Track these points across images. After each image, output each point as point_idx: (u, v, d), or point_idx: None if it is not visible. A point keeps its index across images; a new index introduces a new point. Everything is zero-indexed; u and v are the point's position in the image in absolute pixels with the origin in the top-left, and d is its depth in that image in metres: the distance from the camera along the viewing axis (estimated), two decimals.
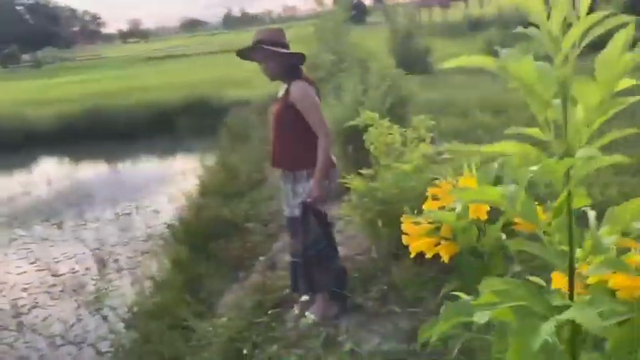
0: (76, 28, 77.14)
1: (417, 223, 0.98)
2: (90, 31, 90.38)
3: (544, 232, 0.70)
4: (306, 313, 3.03)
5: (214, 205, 6.14)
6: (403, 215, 1.00)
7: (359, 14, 9.08)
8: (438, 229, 0.95)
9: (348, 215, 3.50)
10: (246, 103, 12.92)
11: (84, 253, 6.28)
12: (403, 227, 1.00)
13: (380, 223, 3.47)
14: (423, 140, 3.71)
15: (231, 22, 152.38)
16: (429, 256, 0.96)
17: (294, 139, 2.70)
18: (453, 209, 0.92)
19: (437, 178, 3.11)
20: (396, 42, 12.24)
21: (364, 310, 2.97)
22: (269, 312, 3.26)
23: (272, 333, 3.02)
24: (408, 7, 12.66)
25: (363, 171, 3.59)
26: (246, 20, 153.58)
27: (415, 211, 1.01)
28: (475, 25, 26.98)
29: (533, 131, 0.70)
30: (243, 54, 2.83)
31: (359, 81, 5.45)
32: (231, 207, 6.06)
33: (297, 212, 2.76)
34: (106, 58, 46.59)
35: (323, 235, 2.80)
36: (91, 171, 11.54)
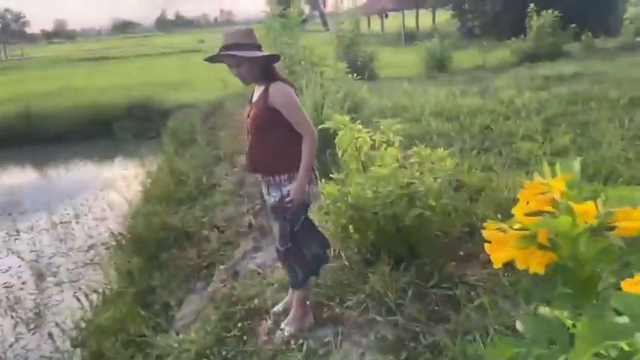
0: None
1: (501, 230, 0.89)
2: (12, 30, 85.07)
3: None
4: (282, 325, 2.88)
5: (162, 212, 5.84)
6: (487, 221, 0.90)
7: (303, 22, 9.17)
8: (531, 236, 0.86)
9: (320, 221, 3.39)
10: (188, 106, 12.54)
11: (19, 266, 5.79)
12: (485, 234, 0.90)
13: (352, 229, 3.40)
14: (392, 144, 3.68)
15: (164, 24, 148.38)
16: (521, 267, 0.86)
17: (275, 142, 2.57)
18: (552, 213, 0.83)
19: (413, 182, 3.07)
20: (342, 48, 12.31)
21: (343, 319, 2.87)
22: (238, 324, 3.08)
23: (245, 347, 2.85)
24: (351, 14, 12.71)
25: (334, 175, 3.50)
26: (180, 23, 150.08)
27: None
28: (411, 36, 27.88)
29: None
30: (213, 59, 2.65)
31: (318, 85, 5.36)
32: (180, 214, 5.78)
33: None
34: (31, 58, 43.88)
35: (289, 238, 2.66)
36: (21, 177, 10.73)
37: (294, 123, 2.52)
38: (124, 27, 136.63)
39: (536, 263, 0.86)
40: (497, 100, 7.43)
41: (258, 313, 3.17)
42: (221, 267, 4.28)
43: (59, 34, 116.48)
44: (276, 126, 2.54)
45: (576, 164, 0.89)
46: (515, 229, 0.88)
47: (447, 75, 11.99)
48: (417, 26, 33.62)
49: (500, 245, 0.87)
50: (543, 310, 0.91)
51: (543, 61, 12.13)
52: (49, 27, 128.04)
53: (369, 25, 32.67)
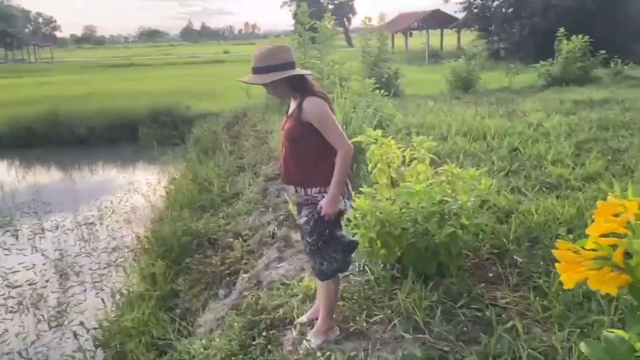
0: (28, 30, 74.25)
1: (573, 251, 0.87)
2: (43, 33, 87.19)
3: None
4: (307, 336, 2.87)
5: (186, 218, 5.88)
6: (558, 241, 0.89)
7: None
8: (605, 257, 0.84)
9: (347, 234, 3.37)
10: (212, 115, 12.68)
11: (44, 264, 5.87)
12: (556, 254, 0.88)
13: (379, 244, 3.38)
14: (423, 161, 3.67)
15: (190, 34, 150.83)
16: (593, 287, 0.85)
17: (308, 155, 2.57)
18: (620, 235, 0.82)
19: (446, 200, 3.05)
20: (367, 65, 12.36)
21: (369, 335, 2.84)
22: (263, 333, 3.07)
23: (269, 356, 2.84)
24: (378, 30, 12.79)
25: (364, 189, 3.50)
26: (206, 34, 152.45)
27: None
28: (434, 55, 27.97)
29: None
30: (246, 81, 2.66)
31: (347, 99, 5.38)
32: (204, 221, 5.82)
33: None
34: (61, 62, 44.92)
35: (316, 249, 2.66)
36: (48, 177, 10.92)
37: (329, 138, 2.51)
38: (151, 35, 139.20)
39: (609, 285, 0.84)
40: (526, 122, 7.37)
41: (282, 323, 3.16)
42: (244, 275, 4.28)
43: (88, 39, 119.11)
44: (310, 139, 2.53)
45: None
46: (588, 250, 0.86)
47: (473, 95, 11.95)
48: (441, 46, 33.72)
49: (572, 266, 0.86)
50: (608, 333, 0.89)
51: (571, 85, 12.03)
52: (79, 32, 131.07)
53: (393, 43, 32.80)
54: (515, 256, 3.46)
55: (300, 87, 2.58)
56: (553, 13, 19.48)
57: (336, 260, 2.71)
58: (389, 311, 2.96)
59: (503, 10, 24.72)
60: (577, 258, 0.86)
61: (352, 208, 3.19)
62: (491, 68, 17.04)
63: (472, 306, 2.91)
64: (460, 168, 3.59)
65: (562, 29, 13.10)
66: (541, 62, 13.32)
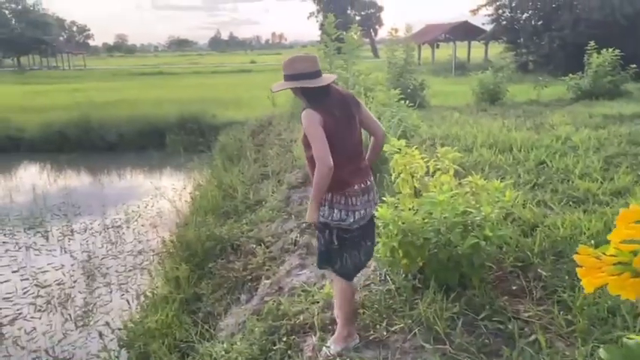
0: (62, 38, 76.44)
1: (595, 256, 0.88)
2: (76, 41, 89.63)
3: None
4: (327, 343, 2.88)
5: (210, 224, 5.97)
6: (580, 247, 0.90)
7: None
8: (626, 263, 0.85)
9: None
10: (238, 123, 12.85)
11: (72, 265, 6.02)
12: (577, 258, 0.90)
13: (401, 253, 3.38)
14: (447, 172, 3.66)
15: (218, 44, 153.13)
16: (613, 292, 0.86)
17: (314, 163, 2.60)
18: None
19: (470, 211, 3.04)
20: (393, 75, 12.38)
21: (389, 344, 2.84)
22: (284, 339, 3.10)
23: None
24: (404, 41, 12.80)
25: (387, 198, 3.51)
26: (233, 43, 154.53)
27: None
28: (461, 67, 27.81)
29: None
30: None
31: (373, 109, 5.41)
32: (227, 227, 5.90)
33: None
34: (93, 69, 46.11)
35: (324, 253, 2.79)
36: (78, 181, 11.20)
37: (312, 149, 2.56)
38: (179, 45, 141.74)
39: (629, 290, 0.85)
40: (553, 135, 7.27)
41: (303, 329, 3.18)
42: (266, 281, 4.32)
43: (119, 48, 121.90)
44: (312, 148, 2.59)
45: None
46: (609, 255, 0.87)
47: (499, 108, 11.84)
48: (469, 58, 33.52)
49: (593, 271, 0.87)
50: (628, 340, 0.90)
51: (601, 99, 11.82)
52: (111, 41, 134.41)
53: (419, 55, 32.75)
54: (539, 270, 3.42)
55: (304, 98, 2.68)
56: (583, 27, 19.21)
57: (344, 266, 2.75)
58: (409, 321, 2.96)
59: (533, 22, 24.46)
60: (598, 263, 0.86)
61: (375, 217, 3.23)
62: (519, 81, 16.85)
63: (494, 318, 2.89)
64: (485, 180, 3.58)
65: (592, 43, 12.91)
66: (570, 75, 13.12)
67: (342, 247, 2.70)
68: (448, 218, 3.05)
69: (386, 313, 3.12)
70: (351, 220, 2.65)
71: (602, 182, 5.07)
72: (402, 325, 2.95)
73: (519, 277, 3.40)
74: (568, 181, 5.28)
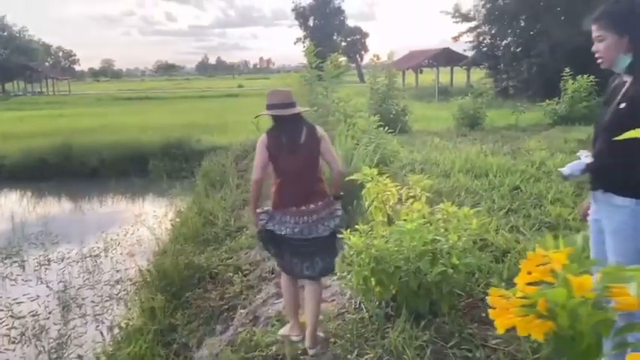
0: (48, 63, 76.45)
1: (505, 297, 0.93)
2: (62, 66, 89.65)
3: None
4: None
5: (189, 252, 5.94)
6: (491, 289, 0.95)
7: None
8: (532, 305, 0.90)
9: (342, 271, 3.42)
10: (223, 148, 12.87)
11: (47, 295, 5.93)
12: (489, 300, 0.94)
13: (373, 282, 3.41)
14: (419, 199, 3.73)
15: (206, 68, 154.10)
16: (521, 333, 0.90)
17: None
18: (551, 284, 0.87)
19: (437, 239, 3.09)
20: (376, 101, 12.56)
21: None
22: None
23: None
24: (387, 68, 13.02)
25: (359, 227, 3.55)
26: (221, 68, 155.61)
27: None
28: (444, 92, 28.30)
29: None
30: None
31: (349, 136, 5.49)
32: (206, 254, 5.88)
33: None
34: (78, 95, 46.06)
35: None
36: (58, 208, 11.09)
37: None
38: (167, 69, 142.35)
39: (536, 331, 0.89)
40: (529, 160, 7.41)
41: None
42: (242, 311, 4.31)
43: (106, 72, 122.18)
44: None
45: (579, 238, 0.93)
46: (518, 297, 0.92)
47: (479, 132, 12.04)
48: (452, 83, 34.14)
49: (503, 312, 0.91)
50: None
51: (577, 124, 12.09)
52: (97, 65, 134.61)
53: (403, 80, 33.27)
54: None
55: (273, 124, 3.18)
56: (560, 53, 19.72)
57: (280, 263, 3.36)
58: (380, 350, 2.97)
59: (512, 49, 25.05)
60: (507, 304, 0.91)
61: (347, 244, 3.32)
62: (499, 106, 17.19)
63: (463, 346, 2.91)
64: (460, 206, 3.64)
65: (567, 69, 13.25)
66: (547, 101, 13.43)
67: (280, 250, 3.22)
68: (417, 246, 3.09)
69: (358, 343, 3.13)
70: (283, 232, 3.11)
71: (573, 208, 5.16)
72: (372, 354, 2.96)
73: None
74: (541, 206, 5.38)
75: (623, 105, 2.13)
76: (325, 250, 3.20)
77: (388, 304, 3.44)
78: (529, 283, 0.92)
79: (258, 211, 3.20)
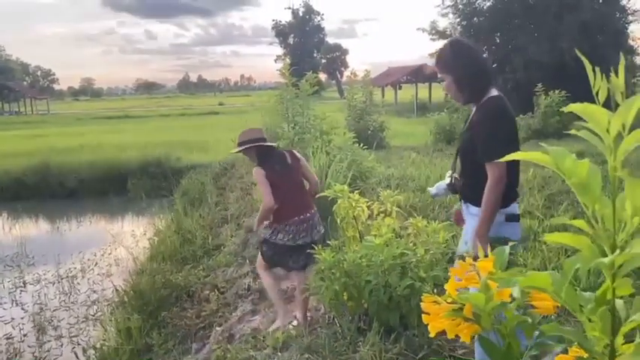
0: (26, 82, 75.72)
1: (436, 303, 1.01)
2: (40, 86, 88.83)
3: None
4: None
5: (167, 271, 5.93)
6: (424, 295, 1.03)
7: (316, 92, 9.55)
8: (459, 309, 0.98)
9: (315, 287, 3.47)
10: (202, 166, 12.88)
11: (22, 318, 5.86)
12: (423, 306, 1.02)
13: (345, 296, 3.47)
14: (390, 214, 3.81)
15: (187, 86, 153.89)
16: (450, 336, 0.98)
17: None
18: (477, 290, 0.95)
19: (405, 252, 3.17)
20: (354, 118, 12.72)
21: None
22: None
23: None
24: (364, 84, 13.23)
25: (331, 242, 3.62)
26: (202, 86, 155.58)
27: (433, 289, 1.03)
28: (423, 108, 28.73)
29: (580, 223, 0.75)
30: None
31: (324, 153, 5.58)
32: (184, 273, 5.87)
33: None
34: (57, 114, 45.64)
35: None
36: (34, 229, 10.96)
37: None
38: (147, 88, 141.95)
39: (464, 333, 0.97)
40: None
41: None
42: (218, 329, 4.33)
43: (85, 91, 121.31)
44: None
45: (507, 249, 1.02)
46: (448, 302, 1.00)
47: (455, 147, 12.24)
48: (430, 99, 34.66)
49: (435, 316, 0.99)
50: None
51: (550, 139, 12.38)
52: (77, 85, 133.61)
53: (383, 96, 33.69)
54: None
55: (255, 158, 3.84)
56: (534, 69, 20.22)
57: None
58: None
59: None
60: (438, 309, 0.99)
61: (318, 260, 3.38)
62: None
63: (431, 358, 2.98)
64: (434, 220, 3.75)
65: (540, 85, 13.61)
66: (521, 115, 13.74)
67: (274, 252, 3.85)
68: (385, 261, 3.16)
69: (330, 357, 3.18)
70: (285, 240, 3.78)
71: (543, 219, 5.31)
72: None
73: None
74: None
75: (466, 132, 2.53)
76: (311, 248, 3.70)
77: (360, 318, 3.49)
78: (460, 290, 1.01)
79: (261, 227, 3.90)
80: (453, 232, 4.45)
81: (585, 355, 0.73)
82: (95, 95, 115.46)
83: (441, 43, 27.50)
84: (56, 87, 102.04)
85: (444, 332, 1.04)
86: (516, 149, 1.99)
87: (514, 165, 2.36)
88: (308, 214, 3.78)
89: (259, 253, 4.01)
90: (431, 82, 34.32)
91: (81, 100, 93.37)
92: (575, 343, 0.83)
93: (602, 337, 0.69)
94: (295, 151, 4.00)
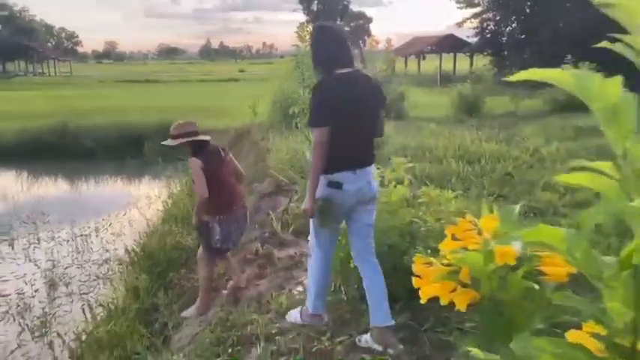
0: (50, 44, 76.05)
1: (429, 264, 0.88)
2: (64, 48, 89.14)
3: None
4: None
5: (177, 233, 5.91)
6: (416, 255, 0.90)
7: None
8: (455, 272, 0.85)
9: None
10: (219, 132, 12.78)
11: (34, 274, 5.92)
12: (414, 268, 0.89)
13: (351, 264, 3.37)
14: (401, 182, 3.66)
15: (208, 52, 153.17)
16: (444, 302, 0.85)
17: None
18: (476, 250, 0.82)
19: (415, 221, 3.03)
20: None
21: (332, 355, 2.81)
22: (229, 350, 3.07)
23: None
24: (386, 54, 12.89)
25: None
26: (224, 52, 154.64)
27: (429, 251, 0.90)
28: (447, 79, 28.05)
29: (605, 165, 0.61)
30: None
31: None
32: (194, 235, 5.83)
33: None
34: (79, 76, 45.86)
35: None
36: (51, 188, 11.07)
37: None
38: (169, 53, 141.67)
39: (459, 300, 0.84)
40: (523, 147, 7.33)
41: (249, 340, 3.14)
42: (223, 291, 4.29)
43: (108, 55, 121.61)
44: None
45: (516, 208, 0.88)
46: (442, 265, 0.87)
47: (476, 119, 11.93)
48: (454, 69, 33.83)
49: (427, 279, 0.86)
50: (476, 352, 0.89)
51: (577, 112, 11.96)
52: (100, 48, 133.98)
53: (405, 66, 32.99)
54: None
55: (194, 150, 3.87)
56: (563, 40, 19.50)
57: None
58: (354, 331, 2.94)
59: (516, 35, 24.81)
60: (431, 272, 0.86)
61: None
62: (499, 93, 17.02)
63: (437, 329, 2.88)
64: (452, 191, 3.60)
65: (569, 56, 13.08)
66: (547, 88, 13.28)
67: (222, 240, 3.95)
68: (394, 227, 3.04)
69: (332, 325, 3.10)
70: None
71: (564, 194, 5.11)
72: (346, 336, 2.93)
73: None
74: (531, 193, 5.32)
75: None
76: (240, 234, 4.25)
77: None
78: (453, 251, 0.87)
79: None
80: (466, 201, 4.30)
81: (603, 332, 0.59)
82: (118, 59, 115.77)
83: (469, 12, 26.72)
84: (80, 49, 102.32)
85: (452, 304, 0.90)
86: (329, 120, 2.63)
87: (339, 139, 2.63)
88: (243, 203, 4.09)
89: (201, 246, 4.06)
90: (456, 52, 33.45)
91: (104, 64, 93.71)
92: (591, 318, 0.69)
93: (624, 309, 0.56)
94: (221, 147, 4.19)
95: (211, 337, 3.27)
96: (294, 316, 3.19)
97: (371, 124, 2.82)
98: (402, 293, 3.16)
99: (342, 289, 3.49)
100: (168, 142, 3.96)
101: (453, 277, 0.84)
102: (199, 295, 4.05)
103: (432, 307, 3.07)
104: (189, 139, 3.89)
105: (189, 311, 4.04)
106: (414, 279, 0.88)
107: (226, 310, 3.60)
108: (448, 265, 0.86)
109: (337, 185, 2.70)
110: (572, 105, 12.45)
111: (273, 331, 3.15)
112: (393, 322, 2.77)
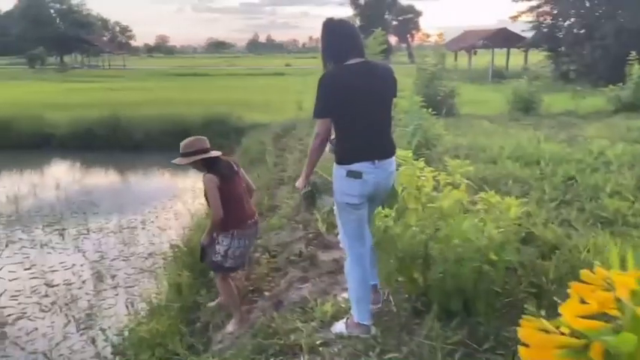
0: (105, 38, 78.56)
1: (543, 331, 0.67)
2: (119, 41, 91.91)
3: None
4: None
5: None
6: (523, 317, 0.69)
7: (384, 52, 8.93)
8: (584, 347, 0.63)
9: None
10: (264, 126, 12.76)
11: (82, 265, 6.00)
12: (520, 334, 0.68)
13: (398, 275, 3.16)
14: (458, 186, 3.41)
15: (256, 46, 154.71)
16: None
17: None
18: (611, 317, 0.61)
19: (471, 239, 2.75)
20: (423, 82, 12.06)
21: None
22: (271, 359, 2.92)
23: None
24: (436, 48, 12.47)
25: (387, 212, 3.28)
26: (271, 46, 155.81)
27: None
28: (499, 75, 27.08)
29: None
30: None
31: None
32: None
33: None
34: (132, 69, 47.18)
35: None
36: (102, 179, 11.33)
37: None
38: (218, 47, 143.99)
39: None
40: (586, 149, 6.85)
41: (292, 350, 2.99)
42: (266, 294, 4.16)
43: (160, 48, 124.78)
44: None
45: None
46: (562, 334, 0.65)
47: (533, 117, 11.37)
48: (507, 65, 32.70)
49: (539, 351, 0.64)
50: None
51: None
52: (152, 41, 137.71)
53: (455, 60, 32.14)
54: (554, 297, 3.12)
55: (209, 166, 3.71)
56: (626, 36, 18.40)
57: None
58: (405, 348, 2.73)
59: (575, 30, 23.65)
60: (546, 341, 0.64)
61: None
62: (558, 90, 16.24)
63: (498, 351, 2.63)
64: (508, 196, 3.32)
65: (633, 53, 12.28)
66: (610, 86, 12.52)
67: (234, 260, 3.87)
68: (450, 238, 2.80)
69: (382, 338, 2.89)
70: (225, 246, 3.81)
71: (633, 202, 4.69)
72: (396, 353, 2.72)
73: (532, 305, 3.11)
74: (597, 199, 4.92)
75: None
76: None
77: (418, 298, 3.18)
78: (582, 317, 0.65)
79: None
80: (525, 208, 3.98)
81: None
82: (168, 52, 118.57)
83: (524, 5, 25.67)
84: (133, 43, 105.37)
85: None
86: (330, 112, 2.64)
87: (353, 129, 2.66)
88: (256, 218, 4.00)
89: (215, 270, 3.97)
90: (509, 47, 32.32)
91: (155, 57, 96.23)
92: None
93: None
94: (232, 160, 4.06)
95: (253, 344, 3.13)
96: (339, 327, 3.01)
97: (384, 113, 2.80)
98: (458, 308, 2.92)
99: (391, 299, 3.29)
100: (178, 160, 3.78)
101: (579, 355, 0.62)
102: (233, 313, 3.95)
103: (490, 325, 2.83)
104: (202, 156, 3.73)
105: (231, 326, 3.90)
106: (520, 348, 0.66)
107: (269, 317, 3.45)
108: (571, 334, 0.64)
109: (357, 175, 2.66)
110: (638, 105, 11.71)
111: (318, 342, 2.98)
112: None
